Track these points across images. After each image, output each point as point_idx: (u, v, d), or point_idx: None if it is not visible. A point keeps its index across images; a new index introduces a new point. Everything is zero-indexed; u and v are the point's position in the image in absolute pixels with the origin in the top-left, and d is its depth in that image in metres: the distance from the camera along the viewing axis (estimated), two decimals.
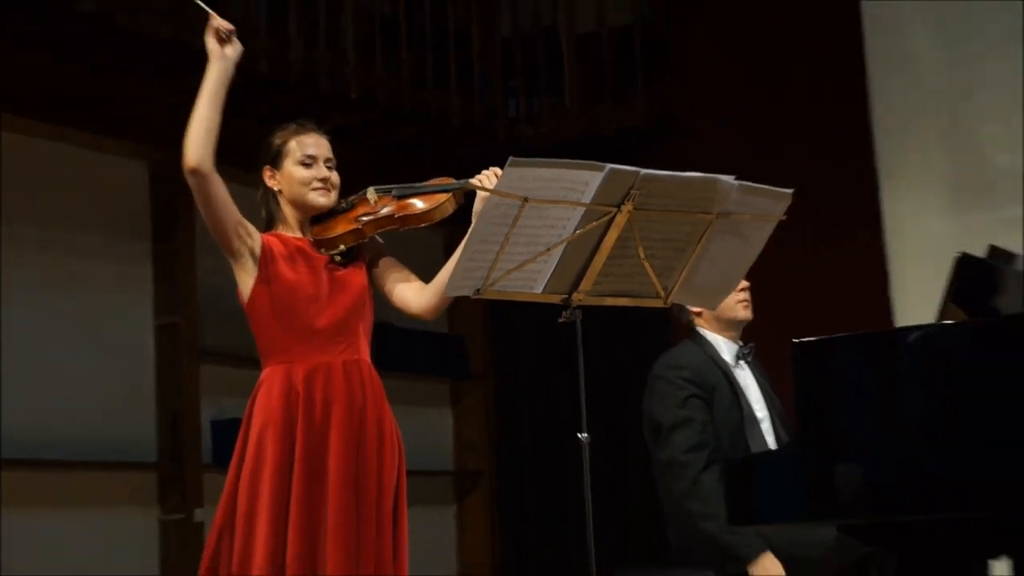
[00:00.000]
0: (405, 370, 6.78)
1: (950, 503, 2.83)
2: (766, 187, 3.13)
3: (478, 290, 3.02)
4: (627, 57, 7.29)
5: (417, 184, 3.36)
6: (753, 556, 3.79)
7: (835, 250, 6.11)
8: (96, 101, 5.81)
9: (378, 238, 3.42)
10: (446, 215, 3.34)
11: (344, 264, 3.34)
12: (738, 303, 4.09)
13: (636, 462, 4.02)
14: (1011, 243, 3.57)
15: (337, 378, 3.25)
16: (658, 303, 3.21)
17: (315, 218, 3.37)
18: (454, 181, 3.32)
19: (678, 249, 3.12)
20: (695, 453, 3.88)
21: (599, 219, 3.00)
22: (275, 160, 3.36)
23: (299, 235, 3.36)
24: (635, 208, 3.00)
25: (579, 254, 3.05)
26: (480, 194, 3.19)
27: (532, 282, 3.06)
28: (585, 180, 2.93)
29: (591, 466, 3.09)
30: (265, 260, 3.25)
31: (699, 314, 4.15)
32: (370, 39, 6.59)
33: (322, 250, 3.33)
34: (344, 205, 3.37)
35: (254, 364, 3.34)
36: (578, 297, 3.11)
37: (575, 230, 3.00)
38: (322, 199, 3.34)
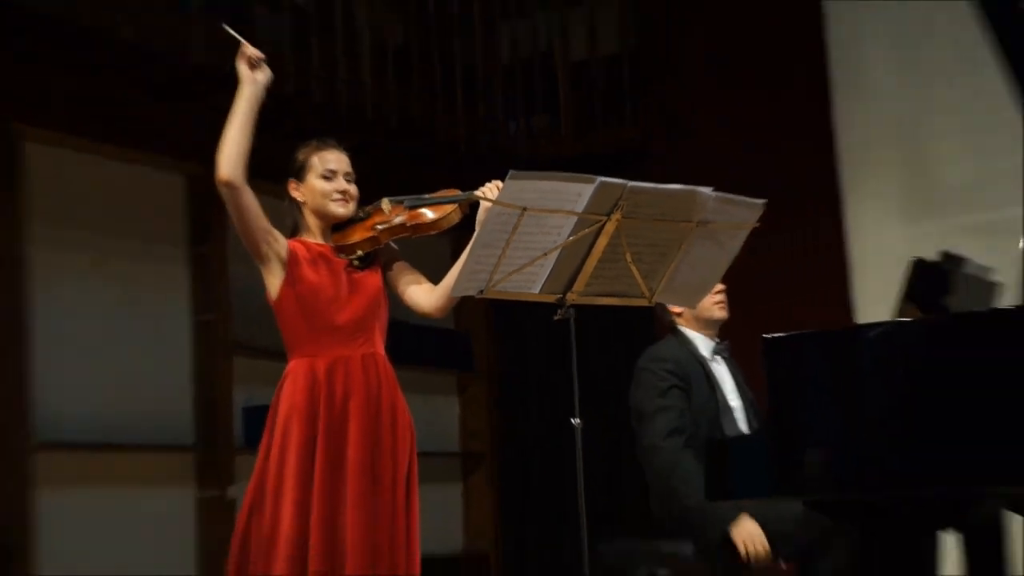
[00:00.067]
0: (416, 363, 6.78)
1: (906, 484, 2.83)
2: (741, 198, 3.13)
3: (481, 291, 3.02)
4: (616, 82, 7.30)
5: (427, 195, 3.35)
6: (732, 519, 3.78)
7: (802, 255, 6.11)
8: (140, 122, 5.81)
9: (392, 244, 3.41)
10: (453, 224, 3.33)
11: (361, 268, 3.34)
12: (715, 304, 4.09)
13: (624, 445, 4.00)
14: (960, 248, 3.56)
15: (356, 370, 3.25)
16: (643, 302, 3.21)
17: (335, 226, 3.36)
18: (460, 193, 3.32)
19: (661, 254, 3.12)
20: (673, 437, 3.88)
21: (591, 227, 2.99)
22: (299, 174, 3.35)
23: (321, 242, 3.35)
24: (623, 217, 2.99)
25: (573, 258, 3.05)
26: (483, 204, 3.18)
27: (530, 283, 3.06)
28: (578, 191, 2.93)
29: (584, 448, 3.09)
30: (291, 264, 3.25)
31: (680, 314, 4.15)
32: (384, 65, 6.59)
33: (342, 255, 3.33)
34: (361, 214, 3.37)
35: (281, 357, 3.33)
36: (572, 297, 3.10)
37: (569, 236, 2.99)
38: (341, 209, 3.34)
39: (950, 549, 3.42)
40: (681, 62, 6.92)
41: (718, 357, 4.11)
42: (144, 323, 6.05)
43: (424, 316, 3.39)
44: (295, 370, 3.26)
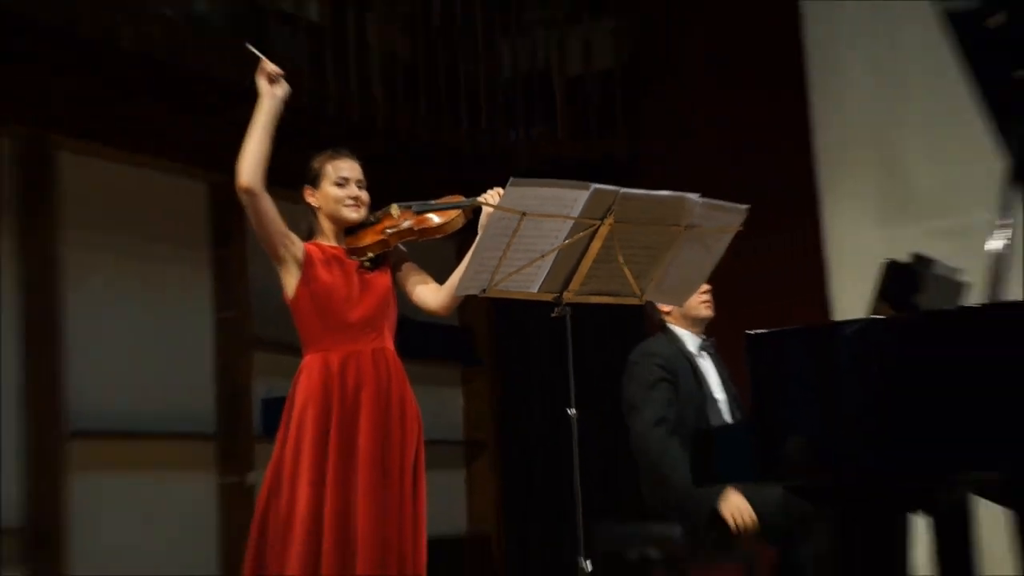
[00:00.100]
0: (423, 357, 6.78)
1: (880, 471, 2.83)
2: (726, 203, 3.13)
3: (484, 290, 3.02)
4: (609, 95, 7.30)
5: (433, 201, 3.36)
6: (719, 494, 3.78)
7: (783, 258, 6.12)
8: (166, 134, 5.82)
9: (401, 247, 3.42)
10: (457, 228, 3.34)
11: (372, 269, 3.34)
12: (701, 303, 4.08)
13: (618, 434, 4.01)
14: (932, 251, 3.56)
15: (366, 364, 3.25)
16: (635, 301, 3.21)
17: (348, 230, 3.37)
18: (464, 199, 3.32)
19: (652, 256, 3.12)
20: (660, 427, 3.88)
21: (585, 230, 3.00)
22: (314, 181, 3.36)
23: (335, 244, 3.36)
24: (615, 221, 3.00)
25: (569, 259, 3.05)
26: (485, 209, 3.18)
27: (529, 283, 3.06)
28: (574, 197, 2.93)
29: (580, 437, 3.09)
30: (307, 265, 3.25)
31: (669, 312, 4.15)
32: (393, 79, 6.59)
33: (354, 257, 3.33)
34: (372, 219, 3.37)
35: (296, 352, 3.34)
36: (568, 295, 3.11)
37: (565, 239, 3.00)
38: (354, 214, 3.34)
39: (921, 532, 3.43)
40: (670, 76, 6.93)
41: (704, 353, 4.12)
42: (169, 320, 6.06)
43: (431, 314, 3.39)
44: (310, 364, 3.26)
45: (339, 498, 3.13)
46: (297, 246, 3.25)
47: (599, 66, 7.38)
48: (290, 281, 3.26)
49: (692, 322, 4.13)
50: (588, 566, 3.05)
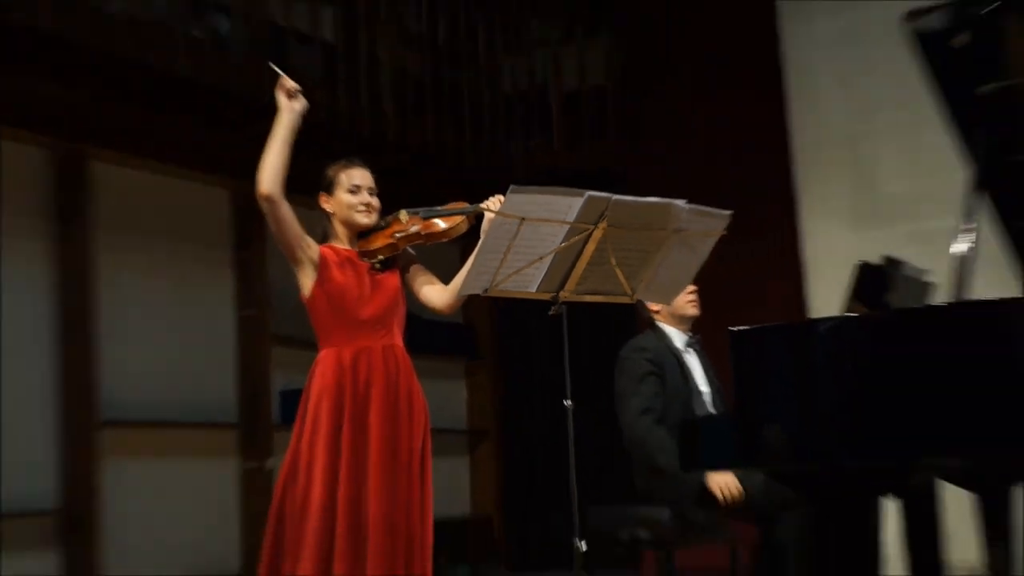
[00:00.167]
0: (430, 352, 6.79)
1: (853, 456, 2.83)
2: (710, 209, 3.13)
3: (486, 289, 3.01)
4: (602, 109, 7.30)
5: (439, 208, 3.35)
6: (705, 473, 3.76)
7: (763, 260, 6.12)
8: (192, 146, 5.83)
9: (409, 250, 3.41)
10: (461, 232, 3.33)
11: (382, 270, 3.34)
12: (688, 302, 4.07)
13: (611, 423, 4.00)
14: (900, 253, 3.56)
15: (377, 359, 3.24)
16: (626, 300, 3.20)
17: (360, 233, 3.36)
18: (467, 205, 3.31)
19: (642, 257, 3.11)
20: (646, 415, 3.86)
21: (580, 234, 2.99)
22: (329, 188, 3.35)
23: (348, 247, 3.35)
24: (608, 225, 2.99)
25: (565, 261, 3.04)
26: (487, 215, 3.17)
27: (528, 283, 3.05)
28: (569, 204, 2.92)
29: (575, 426, 3.08)
30: (322, 267, 3.25)
31: (658, 311, 4.13)
32: (402, 95, 6.59)
33: (365, 259, 3.32)
34: (382, 224, 3.36)
35: (312, 347, 3.33)
36: (564, 295, 3.10)
37: (561, 243, 2.99)
38: (365, 219, 3.33)
39: (891, 513, 3.43)
40: (658, 91, 6.92)
41: (690, 349, 4.10)
42: (194, 317, 6.06)
43: (437, 312, 3.39)
44: (324, 358, 3.25)
45: (352, 484, 3.12)
46: (313, 249, 3.25)
47: (592, 82, 7.38)
48: (306, 281, 3.25)
49: (679, 320, 4.12)
50: (583, 546, 3.05)
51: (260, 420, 6.19)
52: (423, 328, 6.50)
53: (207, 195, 6.21)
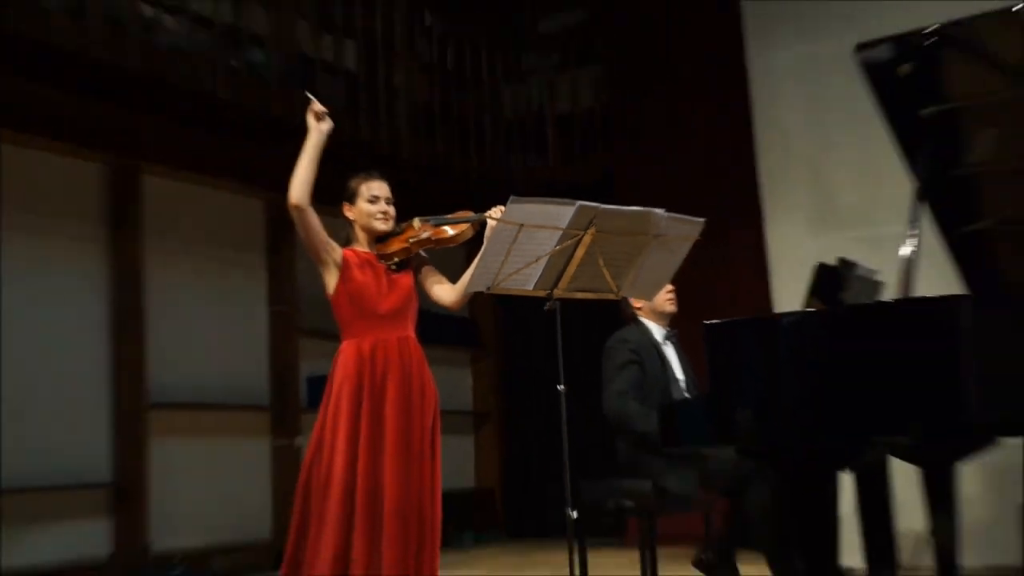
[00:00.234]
0: (439, 342, 6.79)
1: (812, 435, 2.83)
2: (687, 217, 3.13)
3: (489, 287, 3.01)
4: (592, 130, 7.31)
5: (447, 216, 3.35)
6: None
7: (732, 262, 6.12)
8: (231, 162, 5.83)
9: (422, 253, 3.41)
10: (467, 238, 3.33)
11: (398, 271, 3.34)
12: (667, 299, 4.07)
13: (598, 405, 4.00)
14: (854, 256, 3.56)
15: (393, 349, 3.24)
16: (612, 296, 3.20)
17: (378, 238, 3.36)
18: (472, 214, 3.31)
19: (626, 259, 3.12)
20: (624, 395, 3.86)
21: (572, 238, 3.00)
22: (351, 198, 3.35)
23: (367, 250, 3.35)
24: (596, 231, 2.99)
25: (558, 262, 3.05)
26: (490, 222, 3.18)
27: (526, 282, 3.05)
28: (562, 212, 2.93)
29: (568, 408, 3.08)
30: (344, 268, 3.25)
31: (640, 307, 4.14)
32: (415, 117, 6.60)
33: (383, 261, 3.32)
34: (398, 230, 3.36)
35: (335, 338, 3.34)
36: (557, 292, 3.10)
37: (555, 246, 2.99)
38: (383, 226, 3.33)
39: (847, 486, 3.43)
40: (641, 113, 6.93)
41: (668, 342, 4.10)
42: (231, 313, 6.07)
43: (446, 308, 3.39)
44: (346, 349, 3.25)
45: (370, 462, 3.11)
46: (337, 252, 3.25)
47: (584, 106, 7.40)
48: (331, 281, 3.26)
49: (659, 316, 4.12)
50: (574, 514, 3.05)
51: (289, 403, 6.21)
52: (433, 322, 6.45)
53: (244, 206, 6.22)
